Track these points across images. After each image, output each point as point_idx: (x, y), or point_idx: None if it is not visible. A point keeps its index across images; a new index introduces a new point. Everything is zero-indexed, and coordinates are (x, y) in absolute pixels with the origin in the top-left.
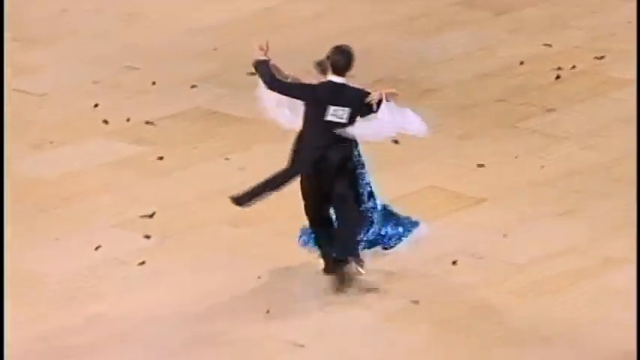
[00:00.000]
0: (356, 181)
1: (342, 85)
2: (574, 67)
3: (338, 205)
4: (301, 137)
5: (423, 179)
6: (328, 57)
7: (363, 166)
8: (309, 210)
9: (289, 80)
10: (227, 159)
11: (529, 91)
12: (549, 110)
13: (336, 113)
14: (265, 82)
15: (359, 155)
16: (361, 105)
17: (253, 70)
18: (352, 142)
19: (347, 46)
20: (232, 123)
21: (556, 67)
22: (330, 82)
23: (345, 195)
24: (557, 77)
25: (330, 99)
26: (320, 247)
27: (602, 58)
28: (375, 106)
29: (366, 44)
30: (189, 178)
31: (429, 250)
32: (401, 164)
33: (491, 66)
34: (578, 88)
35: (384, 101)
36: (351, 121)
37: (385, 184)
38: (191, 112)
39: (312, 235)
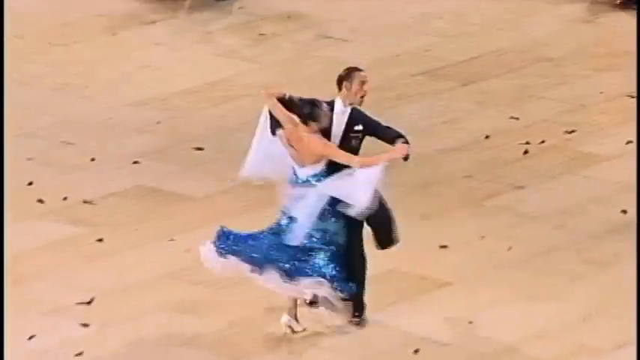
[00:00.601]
0: None
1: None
2: (543, 141)
3: None
4: None
5: (384, 262)
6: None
7: None
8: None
9: None
10: (172, 240)
11: (496, 167)
12: (517, 187)
13: None
14: None
15: None
16: None
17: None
18: None
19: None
20: (177, 202)
21: (524, 141)
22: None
23: None
24: (526, 152)
25: None
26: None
27: (572, 132)
28: None
29: None
30: (131, 261)
31: (389, 338)
32: None
33: (455, 140)
34: (548, 164)
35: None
36: None
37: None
38: (133, 191)
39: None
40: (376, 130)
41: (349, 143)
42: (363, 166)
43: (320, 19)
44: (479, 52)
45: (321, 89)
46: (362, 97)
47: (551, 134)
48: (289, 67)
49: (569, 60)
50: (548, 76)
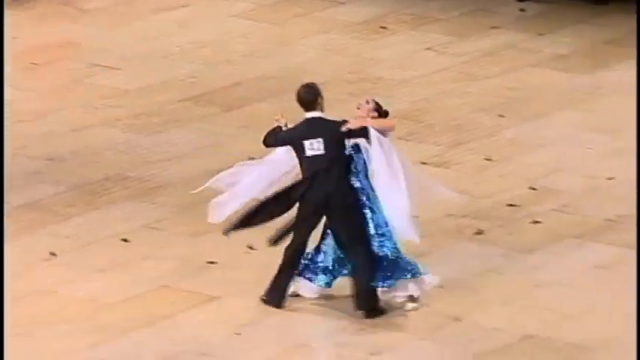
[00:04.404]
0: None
1: (316, 118)
2: None
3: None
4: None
5: (153, 279)
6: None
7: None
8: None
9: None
10: None
11: None
12: None
13: (312, 147)
14: (269, 144)
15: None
16: (336, 133)
17: None
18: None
19: (311, 83)
20: None
21: None
22: (305, 119)
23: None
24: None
25: (302, 135)
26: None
27: None
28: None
29: (91, 142)
30: None
31: (161, 349)
32: (129, 264)
33: (220, 162)
34: None
35: (372, 132)
36: (330, 151)
37: (113, 285)
38: None
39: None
40: None
41: None
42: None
43: (91, 48)
44: (241, 79)
45: (95, 116)
46: None
47: None
48: (63, 95)
49: (326, 86)
50: None
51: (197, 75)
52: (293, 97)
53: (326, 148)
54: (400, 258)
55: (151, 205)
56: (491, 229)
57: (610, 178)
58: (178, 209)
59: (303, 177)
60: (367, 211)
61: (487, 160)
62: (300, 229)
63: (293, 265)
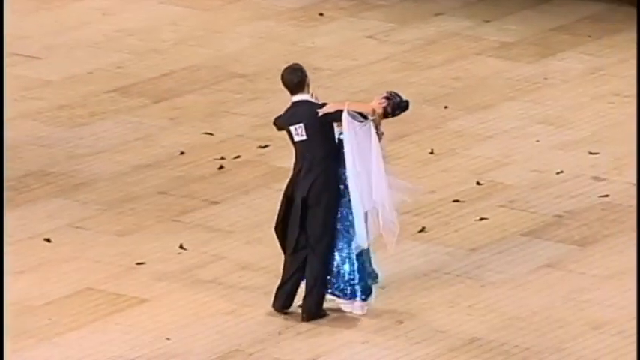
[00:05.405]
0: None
1: (301, 102)
2: (238, 156)
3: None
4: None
5: (78, 280)
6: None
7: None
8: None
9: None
10: None
11: (191, 182)
12: (213, 203)
13: (296, 132)
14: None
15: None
16: (315, 117)
17: None
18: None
19: (295, 64)
20: None
21: (219, 157)
22: (291, 104)
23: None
24: (221, 167)
25: (287, 121)
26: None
27: (265, 147)
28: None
29: (11, 136)
30: None
31: (86, 355)
32: (52, 265)
33: (150, 157)
34: (243, 178)
35: (344, 116)
36: (312, 136)
37: (35, 287)
38: None
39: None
40: None
41: None
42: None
43: (10, 36)
44: (171, 69)
45: (15, 108)
46: None
47: (245, 149)
48: None
49: (261, 76)
50: (242, 91)
51: (124, 65)
52: (226, 87)
53: (307, 133)
54: (360, 270)
55: (75, 203)
56: (435, 226)
57: (559, 173)
58: (104, 207)
59: (294, 166)
60: (345, 210)
61: (431, 153)
62: (299, 231)
63: (300, 269)
